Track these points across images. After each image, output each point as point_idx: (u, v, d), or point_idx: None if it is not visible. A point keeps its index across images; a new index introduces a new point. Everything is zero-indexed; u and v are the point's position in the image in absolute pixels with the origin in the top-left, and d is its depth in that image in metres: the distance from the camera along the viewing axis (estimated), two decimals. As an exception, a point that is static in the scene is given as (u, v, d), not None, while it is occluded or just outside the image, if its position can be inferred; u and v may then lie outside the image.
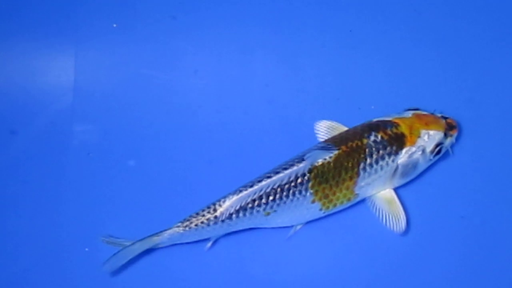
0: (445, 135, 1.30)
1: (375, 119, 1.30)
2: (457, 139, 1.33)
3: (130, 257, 1.23)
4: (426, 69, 1.43)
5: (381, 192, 1.30)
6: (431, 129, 1.28)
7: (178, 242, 1.25)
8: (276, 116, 1.40)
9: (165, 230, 1.23)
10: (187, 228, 1.23)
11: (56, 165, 1.36)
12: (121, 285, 1.30)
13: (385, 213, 1.29)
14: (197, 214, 1.24)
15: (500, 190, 1.36)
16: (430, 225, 1.34)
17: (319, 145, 1.26)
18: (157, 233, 1.23)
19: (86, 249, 1.31)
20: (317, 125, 1.35)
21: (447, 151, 1.33)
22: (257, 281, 1.30)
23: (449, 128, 1.31)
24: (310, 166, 1.23)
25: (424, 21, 1.46)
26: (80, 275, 1.30)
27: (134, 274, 1.30)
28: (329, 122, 1.35)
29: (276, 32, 1.44)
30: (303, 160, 1.23)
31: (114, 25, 1.44)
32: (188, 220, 1.23)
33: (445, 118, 1.32)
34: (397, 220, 1.28)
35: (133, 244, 1.21)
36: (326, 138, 1.32)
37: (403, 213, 1.29)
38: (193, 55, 1.43)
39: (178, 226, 1.23)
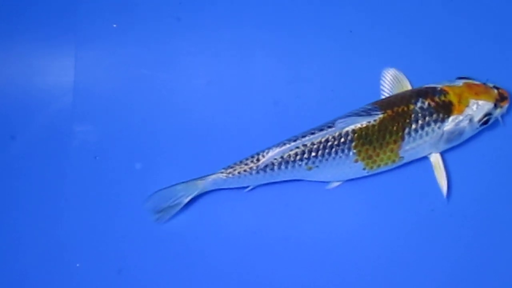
0: (495, 106, 1.30)
1: (425, 85, 1.31)
2: (508, 109, 1.34)
3: (177, 204, 1.28)
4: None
5: (428, 156, 1.33)
6: (480, 99, 1.28)
7: (222, 187, 1.30)
8: (277, 116, 1.39)
9: (209, 175, 1.28)
10: (230, 175, 1.27)
11: (56, 165, 1.36)
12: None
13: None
14: (241, 162, 1.28)
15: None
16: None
17: (366, 107, 1.29)
18: (201, 177, 1.28)
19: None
20: (384, 73, 1.37)
21: (496, 120, 1.33)
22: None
23: (500, 99, 1.31)
24: (353, 127, 1.26)
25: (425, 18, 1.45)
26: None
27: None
28: (395, 72, 1.36)
29: (276, 33, 1.43)
30: (350, 120, 1.26)
31: (114, 26, 1.43)
32: (231, 167, 1.28)
33: (497, 88, 1.32)
34: (440, 185, 1.31)
35: (176, 184, 1.27)
36: (389, 88, 1.34)
37: (445, 179, 1.31)
38: (194, 55, 1.42)
39: (222, 172, 1.28)
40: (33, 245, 1.34)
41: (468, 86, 1.30)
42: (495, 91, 1.31)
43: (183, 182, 1.27)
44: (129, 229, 1.33)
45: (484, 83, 1.32)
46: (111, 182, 1.36)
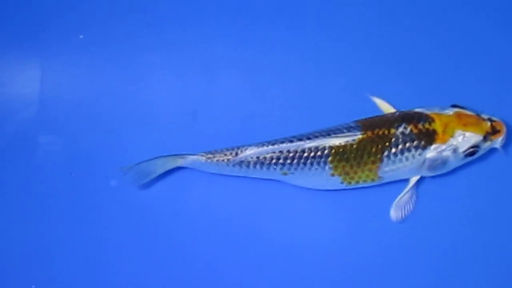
0: (485, 139, 1.27)
1: (414, 110, 1.30)
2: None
3: (152, 173, 1.31)
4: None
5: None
6: (468, 131, 1.26)
7: (200, 169, 1.32)
8: (242, 130, 1.39)
9: (190, 154, 1.30)
10: (209, 160, 1.30)
11: (20, 175, 1.37)
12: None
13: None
14: (221, 151, 1.30)
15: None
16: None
17: (350, 124, 1.29)
18: (181, 155, 1.30)
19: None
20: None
21: (492, 150, 1.32)
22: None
23: (492, 132, 1.28)
24: (331, 144, 1.26)
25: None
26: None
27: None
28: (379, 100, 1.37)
29: (242, 48, 1.42)
30: (328, 135, 1.27)
31: (81, 37, 1.43)
32: (211, 153, 1.30)
33: (492, 121, 1.29)
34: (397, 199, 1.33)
35: (156, 158, 1.30)
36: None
37: (402, 199, 1.32)
38: (161, 68, 1.42)
39: (202, 156, 1.30)
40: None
41: (458, 115, 1.28)
42: (488, 123, 1.28)
43: (163, 156, 1.30)
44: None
45: (478, 114, 1.29)
46: (80, 194, 1.37)
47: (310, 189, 1.33)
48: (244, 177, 1.33)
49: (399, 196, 1.31)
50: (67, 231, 1.35)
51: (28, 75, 1.42)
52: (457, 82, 1.41)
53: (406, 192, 1.31)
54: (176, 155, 1.30)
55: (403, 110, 1.31)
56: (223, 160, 1.30)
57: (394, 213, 1.32)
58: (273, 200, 1.36)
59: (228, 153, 1.30)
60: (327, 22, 1.44)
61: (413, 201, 1.32)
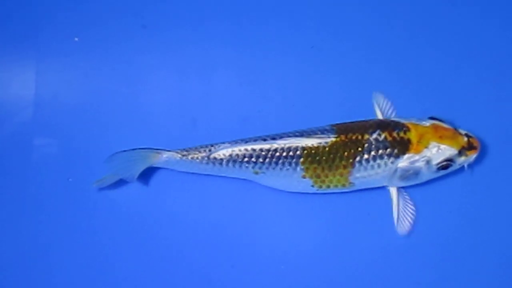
0: (460, 153, 1.27)
1: (392, 118, 1.30)
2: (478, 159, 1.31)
3: (131, 168, 1.30)
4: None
5: (389, 187, 1.32)
6: (443, 143, 1.26)
7: (174, 168, 1.32)
8: (240, 131, 1.36)
9: (166, 150, 1.30)
10: (184, 157, 1.29)
11: (16, 177, 1.37)
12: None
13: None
14: (196, 148, 1.30)
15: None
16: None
17: (325, 127, 1.28)
18: (158, 150, 1.30)
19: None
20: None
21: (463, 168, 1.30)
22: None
23: (468, 147, 1.27)
24: (303, 145, 1.26)
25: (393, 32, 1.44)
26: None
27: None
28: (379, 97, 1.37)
29: (238, 49, 1.43)
30: (302, 135, 1.27)
31: (76, 39, 1.43)
32: (186, 151, 1.30)
33: (469, 136, 1.28)
34: (394, 218, 1.31)
35: (135, 149, 1.29)
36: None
37: (397, 213, 1.30)
38: (156, 70, 1.42)
39: (177, 152, 1.30)
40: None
41: (435, 128, 1.27)
42: (465, 138, 1.28)
43: (141, 148, 1.30)
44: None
45: (455, 128, 1.29)
46: (76, 196, 1.36)
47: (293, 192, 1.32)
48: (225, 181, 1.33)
49: (394, 212, 1.30)
50: (62, 233, 1.35)
51: (23, 78, 1.43)
52: (456, 82, 1.42)
53: (397, 205, 1.30)
54: (152, 148, 1.30)
55: (400, 111, 1.33)
56: (197, 158, 1.29)
57: (400, 229, 1.30)
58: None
59: (202, 150, 1.30)
60: (324, 24, 1.45)
61: (410, 209, 1.30)
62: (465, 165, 1.30)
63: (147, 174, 1.35)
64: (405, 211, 1.30)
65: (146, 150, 1.30)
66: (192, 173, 1.33)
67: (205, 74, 1.43)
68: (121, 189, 1.36)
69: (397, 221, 1.30)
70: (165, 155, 1.30)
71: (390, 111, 1.34)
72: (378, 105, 1.36)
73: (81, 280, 1.33)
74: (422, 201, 1.34)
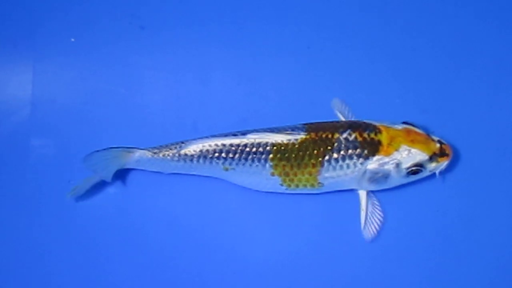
0: (431, 159, 1.26)
1: (364, 120, 1.29)
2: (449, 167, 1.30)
3: (105, 168, 1.30)
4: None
5: (359, 190, 1.31)
6: (414, 148, 1.25)
7: (146, 167, 1.32)
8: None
9: (138, 148, 1.30)
10: (155, 155, 1.29)
11: (13, 177, 1.38)
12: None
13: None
14: (166, 146, 1.30)
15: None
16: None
17: (297, 125, 1.28)
18: (130, 148, 1.30)
19: None
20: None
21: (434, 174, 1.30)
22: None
23: (440, 154, 1.26)
24: (273, 141, 1.26)
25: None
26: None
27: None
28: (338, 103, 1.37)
29: (235, 50, 1.44)
30: (272, 132, 1.27)
31: (72, 40, 1.44)
32: (157, 149, 1.30)
33: (441, 143, 1.27)
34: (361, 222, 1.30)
35: (110, 147, 1.29)
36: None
37: (364, 218, 1.29)
38: (153, 71, 1.43)
39: (148, 151, 1.30)
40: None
41: (407, 132, 1.27)
42: (437, 145, 1.27)
43: (114, 147, 1.30)
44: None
45: (428, 134, 1.28)
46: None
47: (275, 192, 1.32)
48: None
49: (362, 216, 1.29)
50: (60, 234, 1.36)
51: (20, 78, 1.44)
52: (454, 83, 1.43)
53: (365, 209, 1.29)
54: (125, 147, 1.30)
55: (399, 111, 1.35)
56: (168, 155, 1.29)
57: (366, 234, 1.29)
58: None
59: (173, 147, 1.29)
60: (320, 25, 1.46)
61: (378, 214, 1.29)
62: (437, 172, 1.28)
63: (143, 177, 1.36)
64: (373, 216, 1.29)
65: (119, 149, 1.30)
66: (168, 174, 1.33)
67: (203, 75, 1.44)
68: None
69: (364, 225, 1.29)
70: (137, 153, 1.30)
71: (350, 115, 1.34)
72: (339, 111, 1.36)
73: (81, 280, 1.34)
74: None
